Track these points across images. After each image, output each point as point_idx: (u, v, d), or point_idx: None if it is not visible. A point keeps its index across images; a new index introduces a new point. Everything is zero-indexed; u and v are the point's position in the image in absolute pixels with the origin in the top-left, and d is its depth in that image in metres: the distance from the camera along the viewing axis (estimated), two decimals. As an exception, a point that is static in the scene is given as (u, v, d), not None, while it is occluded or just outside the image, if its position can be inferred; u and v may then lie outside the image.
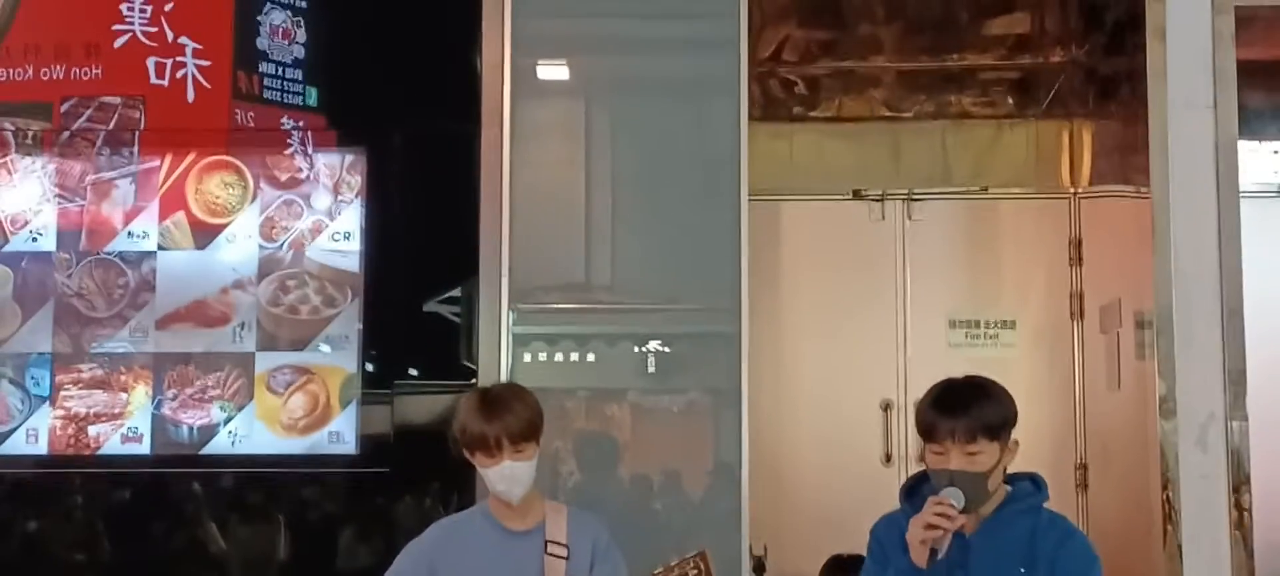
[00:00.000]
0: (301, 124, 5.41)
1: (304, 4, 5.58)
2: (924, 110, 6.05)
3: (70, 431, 4.81)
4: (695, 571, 3.08)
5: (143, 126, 5.31)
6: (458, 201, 4.72)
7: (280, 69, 5.46)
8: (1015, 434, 2.94)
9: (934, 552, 2.80)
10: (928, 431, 2.89)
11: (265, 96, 5.45)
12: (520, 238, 4.57)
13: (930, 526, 2.78)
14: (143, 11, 5.38)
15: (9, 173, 5.15)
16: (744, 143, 4.54)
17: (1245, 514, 4.36)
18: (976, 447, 2.84)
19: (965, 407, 2.86)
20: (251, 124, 5.40)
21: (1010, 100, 6.02)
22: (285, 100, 5.45)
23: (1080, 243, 5.90)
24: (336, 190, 4.97)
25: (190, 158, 5.06)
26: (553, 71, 4.64)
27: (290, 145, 5.20)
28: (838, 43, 5.68)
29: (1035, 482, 3.01)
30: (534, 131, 4.60)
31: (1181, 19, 4.54)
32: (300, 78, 5.45)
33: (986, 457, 2.85)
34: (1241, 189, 4.57)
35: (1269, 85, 5.05)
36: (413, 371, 4.91)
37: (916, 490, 2.98)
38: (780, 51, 5.69)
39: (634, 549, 3.35)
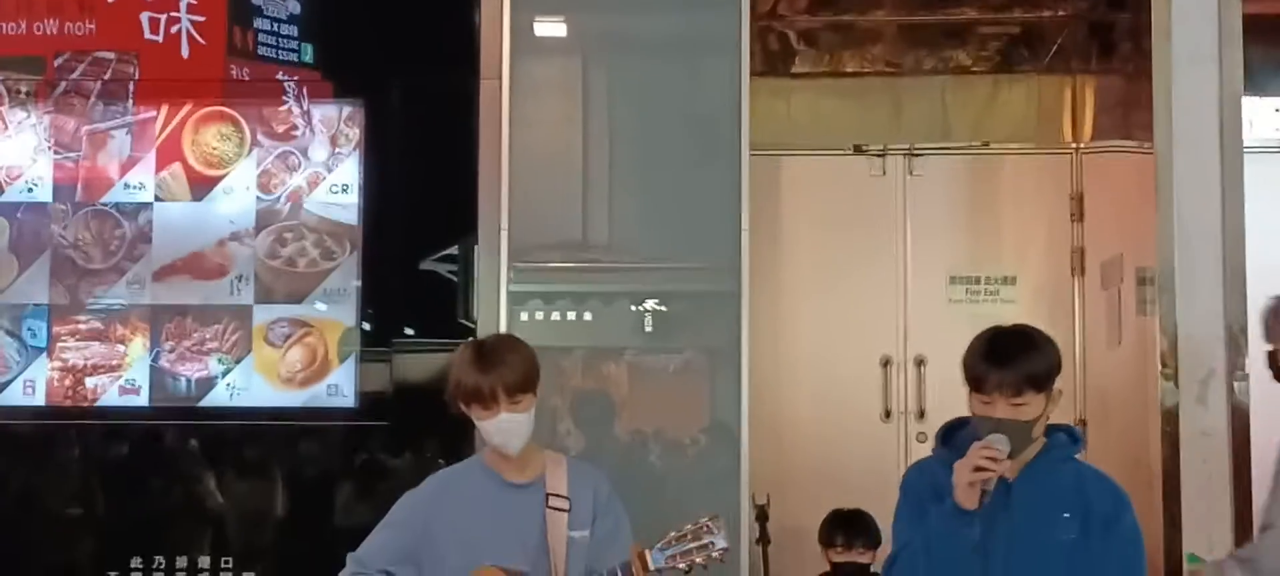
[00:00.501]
0: (297, 79, 5.38)
1: (298, -44, 5.54)
2: (924, 65, 6.01)
3: (68, 383, 4.79)
4: (708, 535, 3.08)
5: (135, 84, 5.27)
6: (456, 156, 4.69)
7: (275, 25, 5.40)
8: None
9: (982, 492, 2.86)
10: (976, 382, 2.93)
11: (260, 53, 5.40)
12: (518, 196, 4.55)
13: (979, 469, 2.84)
14: (135, -38, 5.34)
15: (3, 124, 5.12)
16: (745, 99, 4.51)
17: (1245, 470, 4.36)
18: (1023, 399, 2.89)
19: (1013, 360, 2.91)
20: (247, 78, 5.37)
21: (1011, 55, 5.98)
22: (280, 57, 5.40)
23: (1082, 198, 5.87)
24: (334, 142, 4.94)
25: (186, 108, 5.01)
26: (550, 28, 4.60)
27: (286, 99, 5.16)
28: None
29: (1071, 435, 3.10)
30: (532, 89, 4.57)
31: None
32: (295, 34, 5.40)
33: (1032, 408, 2.92)
34: (1245, 145, 4.54)
35: (1274, 40, 5.00)
36: (410, 330, 4.89)
37: (953, 435, 3.05)
38: (778, 6, 5.64)
39: (633, 506, 3.33)
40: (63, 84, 5.19)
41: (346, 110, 5.02)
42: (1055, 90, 5.99)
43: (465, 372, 3.18)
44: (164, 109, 5.04)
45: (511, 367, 3.17)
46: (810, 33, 5.96)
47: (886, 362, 5.91)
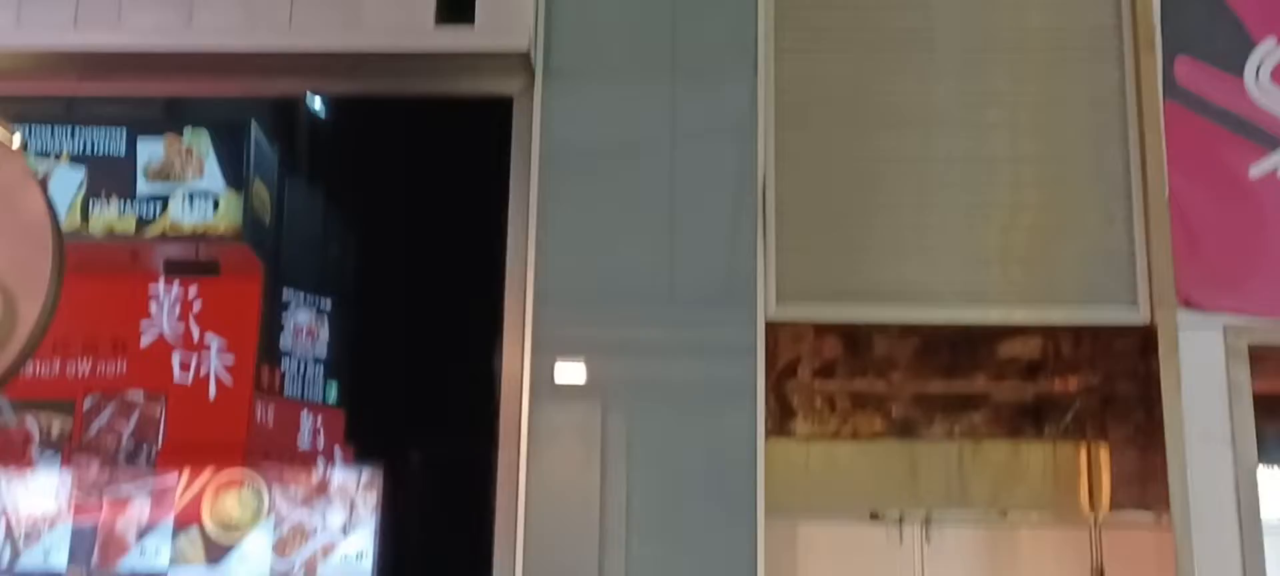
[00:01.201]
0: (320, 420, 5.46)
1: (328, 305, 5.72)
2: (940, 429, 6.04)
3: None
4: None
5: (164, 425, 5.35)
6: (471, 521, 4.71)
7: (302, 365, 5.54)
8: None
9: None
10: None
11: (286, 392, 5.52)
12: (533, 544, 4.52)
13: None
14: (171, 310, 5.50)
15: (30, 466, 5.17)
16: (760, 460, 4.56)
17: None
18: None
19: None
20: (271, 419, 5.45)
21: (1027, 422, 6.01)
22: (305, 395, 5.52)
23: (1103, 571, 5.77)
24: (351, 508, 4.96)
25: (207, 472, 5.06)
26: (570, 375, 4.67)
27: (308, 459, 5.22)
28: (852, 362, 5.73)
29: None
30: (550, 434, 4.61)
31: (1195, 358, 4.63)
32: (321, 374, 5.54)
33: None
34: (1264, 520, 4.52)
35: (1287, 416, 5.05)
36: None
37: None
38: (796, 366, 5.74)
39: None
40: (89, 430, 5.28)
41: (366, 475, 5.07)
42: (1071, 459, 5.97)
43: None
44: (186, 471, 5.09)
45: None
46: (827, 395, 6.03)
47: None
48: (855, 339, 5.40)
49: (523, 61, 4.84)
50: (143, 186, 5.42)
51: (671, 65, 4.92)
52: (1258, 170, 4.75)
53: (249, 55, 4.87)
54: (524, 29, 4.82)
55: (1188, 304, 4.67)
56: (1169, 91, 4.82)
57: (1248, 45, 4.84)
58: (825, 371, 5.75)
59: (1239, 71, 4.83)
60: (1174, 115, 4.79)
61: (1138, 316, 4.72)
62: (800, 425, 6.08)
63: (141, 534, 4.94)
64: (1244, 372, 4.61)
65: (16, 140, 3.84)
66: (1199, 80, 4.82)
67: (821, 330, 5.24)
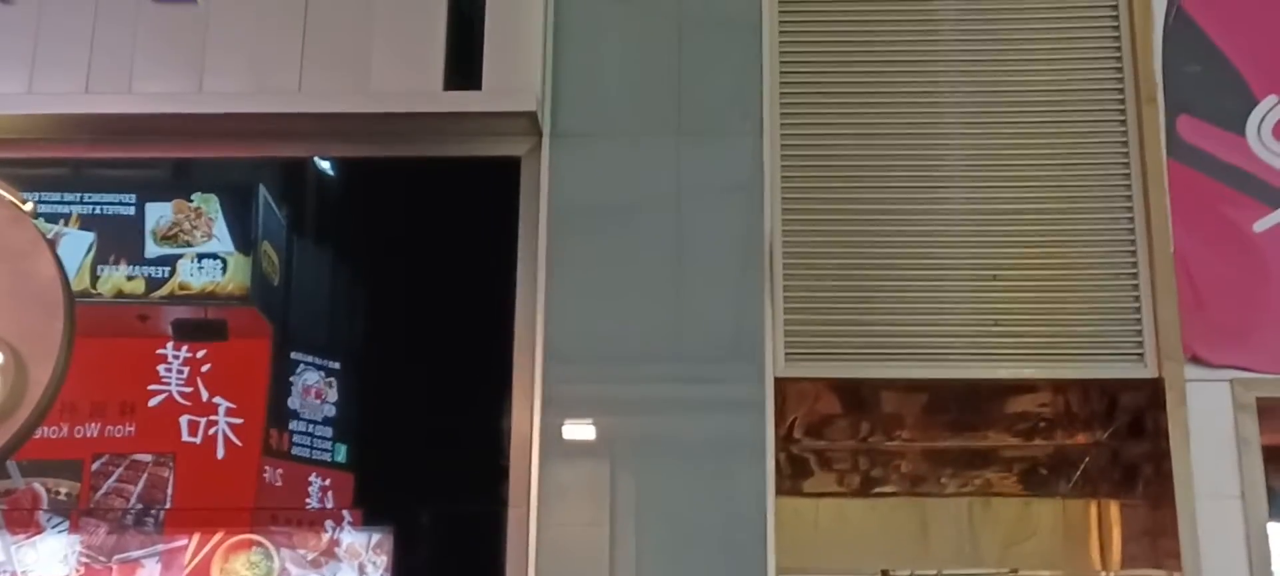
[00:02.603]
0: (328, 482, 5.45)
1: (337, 365, 5.73)
2: (950, 485, 6.04)
3: None
4: None
5: (172, 487, 5.35)
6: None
7: (310, 426, 5.54)
8: None
9: None
10: None
11: (294, 453, 5.52)
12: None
13: None
14: (180, 372, 5.52)
15: (38, 530, 5.16)
16: (771, 517, 4.55)
17: None
18: None
19: None
20: (279, 481, 5.45)
21: (1037, 477, 6.02)
22: (314, 457, 5.51)
23: (1116, 632, 5.76)
24: (361, 570, 4.96)
25: (216, 535, 5.06)
26: (580, 432, 4.68)
27: (317, 520, 5.22)
28: (860, 419, 5.74)
29: None
30: (560, 492, 4.61)
31: (1203, 413, 4.64)
32: (330, 435, 5.53)
33: None
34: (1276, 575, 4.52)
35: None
36: None
37: None
38: (797, 424, 5.74)
39: None
40: (97, 493, 5.28)
41: (376, 537, 5.06)
42: (1082, 514, 5.99)
43: None
44: (196, 536, 5.09)
45: None
46: (836, 452, 6.04)
47: None
48: (863, 395, 5.41)
49: (530, 122, 4.89)
50: (151, 249, 5.45)
51: (678, 124, 4.96)
52: (1262, 226, 4.78)
53: (258, 119, 4.92)
54: (531, 91, 4.86)
55: (1195, 358, 4.68)
56: (1172, 149, 4.85)
57: (1250, 102, 4.88)
58: (834, 428, 5.76)
59: (1241, 129, 4.86)
60: (1177, 172, 4.82)
61: (1145, 371, 4.72)
62: (810, 482, 6.09)
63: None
64: (1252, 426, 4.62)
65: (28, 206, 3.87)
66: (1201, 138, 4.85)
67: (830, 386, 5.25)
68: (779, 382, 4.77)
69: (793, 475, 6.05)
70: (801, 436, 5.80)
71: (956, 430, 5.72)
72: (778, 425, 4.85)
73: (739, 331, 4.77)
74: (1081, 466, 5.80)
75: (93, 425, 5.46)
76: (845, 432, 5.82)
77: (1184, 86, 4.91)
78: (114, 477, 5.38)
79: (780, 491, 4.68)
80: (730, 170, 4.91)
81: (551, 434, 4.66)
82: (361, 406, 5.73)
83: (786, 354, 4.79)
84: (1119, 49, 4.99)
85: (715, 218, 4.86)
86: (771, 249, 4.85)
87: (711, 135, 4.93)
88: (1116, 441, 5.43)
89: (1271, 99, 4.88)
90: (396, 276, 5.89)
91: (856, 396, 5.42)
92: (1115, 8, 5.03)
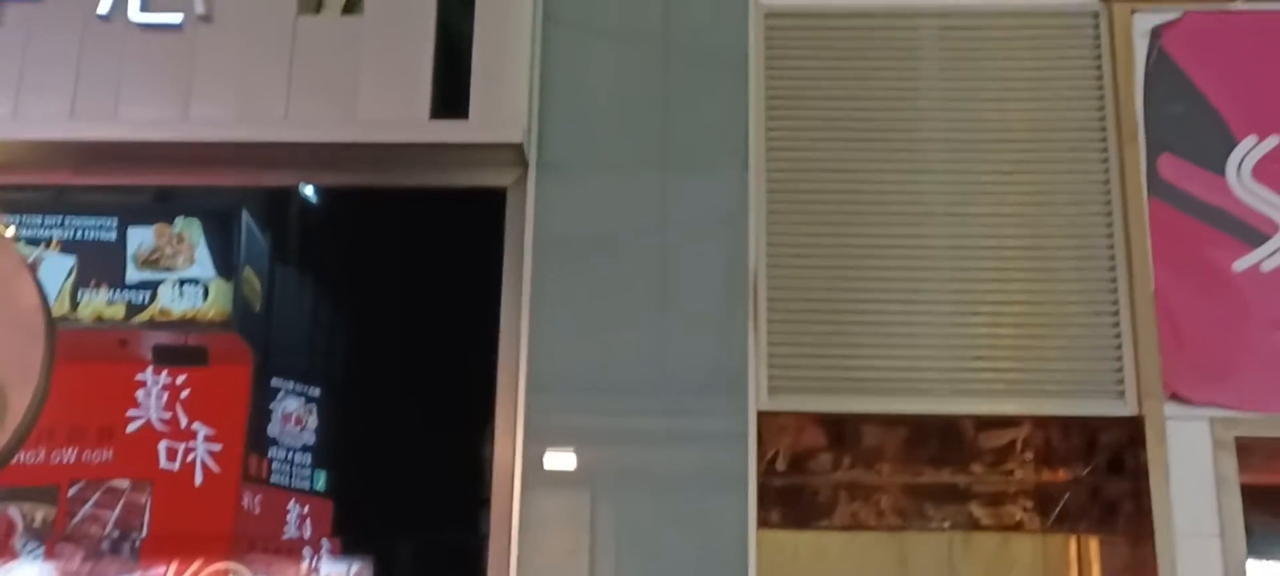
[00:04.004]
0: (308, 509, 5.44)
1: (317, 393, 5.72)
2: (930, 520, 6.04)
3: None
4: None
5: (149, 513, 5.33)
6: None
7: (290, 454, 5.53)
8: None
9: None
10: None
11: (273, 480, 5.50)
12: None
13: None
14: (159, 398, 5.50)
15: (13, 556, 5.13)
16: (752, 548, 4.55)
17: None
18: None
19: None
20: (258, 508, 5.43)
21: (1017, 513, 6.03)
22: (293, 484, 5.50)
23: (1094, 666, 5.76)
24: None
25: (195, 565, 5.04)
26: (562, 463, 4.68)
27: (296, 549, 5.20)
28: (841, 453, 5.74)
29: None
30: (541, 523, 4.61)
31: (1182, 451, 4.67)
32: (309, 462, 5.53)
33: None
34: (1255, 611, 4.54)
35: (1274, 508, 5.08)
36: None
37: None
38: (786, 459, 5.75)
39: None
40: (77, 515, 5.25)
41: (355, 567, 5.05)
42: (1061, 551, 5.98)
43: None
44: (173, 564, 5.06)
45: None
46: (817, 486, 6.03)
47: None
48: (844, 429, 5.42)
49: (516, 153, 4.90)
50: (132, 274, 5.43)
51: (663, 156, 4.98)
52: (1241, 265, 4.81)
53: (244, 147, 4.91)
54: (518, 121, 4.88)
55: (1175, 397, 4.71)
56: (1153, 188, 4.89)
57: (1230, 143, 4.92)
58: (816, 462, 5.77)
59: (1221, 169, 4.90)
60: (1158, 211, 4.86)
61: (1125, 409, 4.75)
62: (791, 516, 6.08)
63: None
64: (1231, 465, 4.64)
65: (10, 231, 3.86)
66: (1182, 177, 4.90)
67: (811, 420, 5.26)
68: (762, 416, 4.79)
69: (773, 508, 6.04)
70: (784, 469, 5.80)
71: (938, 465, 5.73)
72: (760, 458, 4.86)
73: (722, 364, 4.79)
74: (1062, 503, 5.82)
75: (70, 450, 5.44)
76: (827, 466, 5.83)
77: (1165, 126, 4.95)
78: (91, 503, 5.35)
79: (761, 524, 4.69)
80: (715, 204, 4.93)
81: (533, 464, 4.66)
82: (342, 434, 5.72)
83: (769, 387, 4.81)
84: (1100, 88, 5.03)
85: (700, 251, 4.88)
86: (756, 283, 4.87)
87: (697, 169, 4.95)
88: (1096, 478, 5.45)
89: (1251, 139, 4.93)
90: (379, 304, 5.90)
91: (838, 430, 5.43)
92: (1097, 47, 5.08)
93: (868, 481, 5.95)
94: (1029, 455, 5.57)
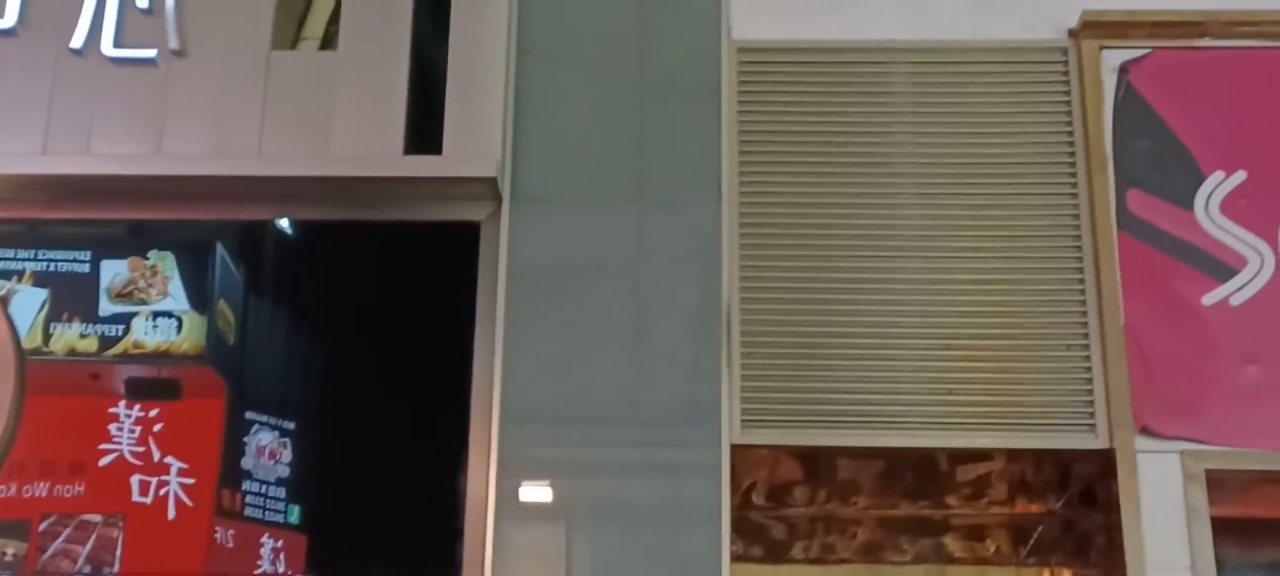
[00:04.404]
0: (281, 543, 5.41)
1: (292, 425, 5.70)
2: (905, 553, 6.05)
3: None
4: None
5: (121, 547, 5.29)
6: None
7: (264, 487, 5.51)
8: None
9: None
10: None
11: (246, 514, 5.48)
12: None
13: None
14: (132, 431, 5.48)
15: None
16: (726, 578, 4.56)
17: None
18: None
19: None
20: (231, 542, 5.40)
21: (991, 546, 6.04)
22: (266, 518, 5.47)
23: (1070, 700, 5.76)
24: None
25: None
26: (536, 495, 4.67)
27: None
28: (816, 486, 5.75)
29: None
30: (515, 555, 4.59)
31: (1153, 483, 4.69)
32: (283, 496, 5.50)
33: None
34: (1225, 644, 4.56)
35: (1244, 541, 5.10)
36: None
37: None
38: (760, 491, 5.75)
39: None
40: (49, 550, 5.22)
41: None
42: (1036, 582, 6.02)
43: None
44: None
45: None
46: (792, 518, 6.04)
47: None
48: (819, 462, 5.43)
49: (490, 187, 4.90)
50: (106, 306, 5.42)
51: (637, 190, 5.00)
52: (1210, 299, 4.85)
53: (218, 182, 4.90)
54: (491, 156, 4.89)
55: (1145, 430, 4.74)
56: (1122, 222, 4.93)
57: (1198, 178, 4.96)
58: (790, 495, 5.77)
59: (1190, 204, 4.94)
60: (1128, 246, 4.90)
61: (1096, 442, 4.77)
62: (767, 549, 6.08)
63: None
64: (1202, 497, 4.67)
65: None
66: (1151, 212, 4.93)
67: (786, 453, 5.27)
68: (735, 449, 4.79)
69: (748, 541, 6.04)
70: (758, 502, 5.80)
71: (913, 498, 5.74)
72: (734, 491, 4.86)
73: (696, 397, 4.79)
74: (1035, 535, 5.83)
75: (41, 484, 5.41)
76: (804, 499, 5.83)
77: (1134, 161, 5.00)
78: (62, 538, 5.32)
79: (737, 557, 4.69)
80: (689, 237, 4.95)
81: (507, 496, 4.65)
82: (316, 467, 5.70)
83: (743, 420, 4.81)
84: (1070, 124, 5.07)
85: (674, 284, 4.89)
86: (729, 316, 4.88)
87: (670, 202, 4.97)
88: (1069, 510, 5.47)
89: (1219, 175, 4.97)
90: (354, 337, 5.89)
91: (814, 463, 5.44)
92: (1067, 83, 5.12)
93: (843, 514, 5.96)
94: (1003, 488, 5.60)
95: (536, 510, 4.67)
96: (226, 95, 4.96)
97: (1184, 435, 4.73)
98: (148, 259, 5.47)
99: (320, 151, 4.88)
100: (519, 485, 4.67)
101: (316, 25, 5.37)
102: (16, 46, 4.99)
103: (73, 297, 5.41)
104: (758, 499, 5.79)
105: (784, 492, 5.78)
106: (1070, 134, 5.06)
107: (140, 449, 5.47)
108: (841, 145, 5.10)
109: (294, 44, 5.26)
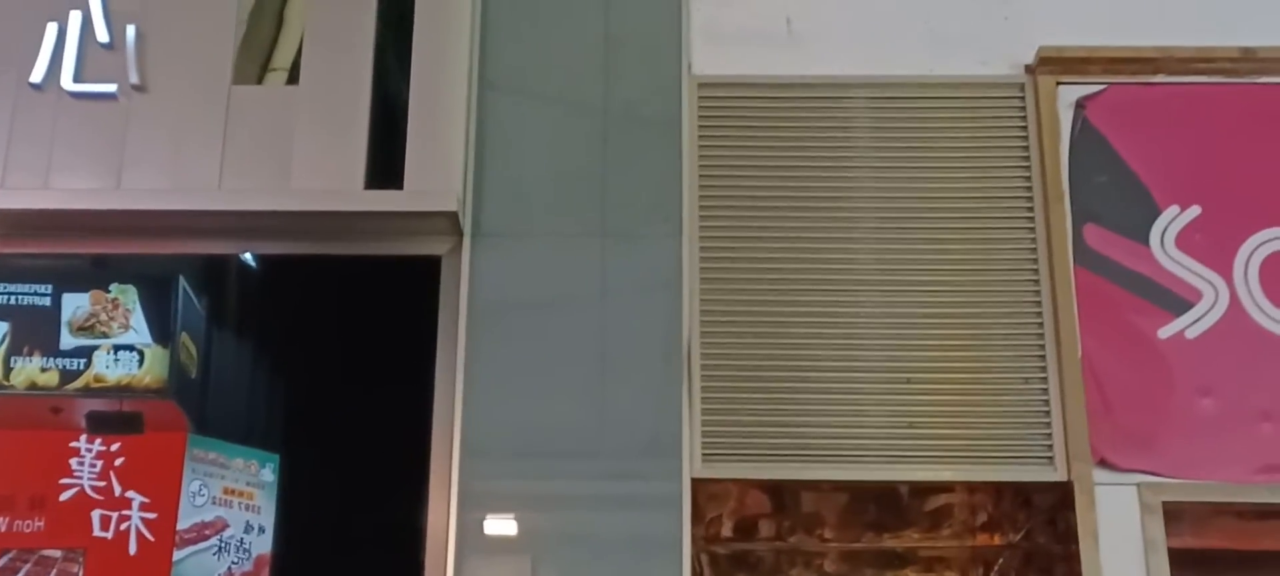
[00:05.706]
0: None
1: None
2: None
3: None
4: None
5: (82, 584, 5.26)
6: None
7: (231, 518, 5.47)
8: None
9: None
10: None
11: (208, 550, 5.44)
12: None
13: None
14: (93, 466, 5.44)
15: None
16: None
17: None
18: None
19: None
20: None
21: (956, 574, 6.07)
22: (229, 552, 5.43)
23: None
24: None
25: None
26: (498, 529, 4.67)
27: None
28: (781, 519, 5.76)
29: None
30: (480, 589, 4.61)
31: (1111, 516, 4.72)
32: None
33: None
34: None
35: (1201, 572, 5.13)
36: None
37: None
38: (720, 520, 5.76)
39: None
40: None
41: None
42: (999, 615, 6.03)
43: None
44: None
45: None
46: (756, 552, 6.04)
47: None
48: (783, 495, 5.44)
49: (451, 221, 4.91)
50: (67, 340, 5.37)
51: (600, 224, 5.02)
52: (1166, 332, 4.89)
53: (178, 216, 4.90)
54: (452, 191, 4.90)
55: (1103, 463, 4.77)
56: (1079, 257, 4.97)
57: (1153, 212, 5.02)
58: (753, 528, 5.78)
59: (1145, 238, 4.99)
60: (1085, 280, 4.94)
61: (1055, 474, 4.80)
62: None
63: None
64: (1159, 529, 4.70)
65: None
66: (1107, 246, 4.98)
67: (749, 486, 5.28)
68: (697, 482, 4.80)
69: (716, 570, 6.04)
70: (730, 535, 5.81)
71: (877, 530, 5.76)
72: (698, 524, 4.86)
73: (657, 431, 4.80)
74: (996, 566, 5.86)
75: (1, 519, 5.36)
76: (771, 532, 5.84)
77: (1090, 196, 5.04)
78: (22, 574, 5.27)
79: (699, 590, 4.69)
80: (651, 271, 4.97)
81: (468, 530, 4.66)
82: (278, 500, 5.67)
83: (703, 454, 4.82)
84: (1027, 159, 5.12)
85: (636, 318, 4.91)
86: (690, 351, 4.90)
87: (632, 236, 4.99)
88: (1029, 542, 5.49)
89: (1174, 209, 5.02)
90: (315, 371, 5.87)
91: (779, 496, 5.45)
92: (1024, 118, 5.17)
93: (808, 548, 5.97)
94: (964, 520, 5.62)
95: (499, 543, 4.67)
96: (187, 130, 4.96)
97: (1141, 468, 4.76)
98: (109, 292, 5.43)
99: (281, 186, 4.88)
100: (481, 519, 4.67)
101: (284, 56, 5.38)
102: (-25, 81, 4.98)
103: (33, 331, 5.37)
104: (725, 531, 5.80)
105: (751, 526, 5.78)
106: (1027, 169, 5.11)
107: (101, 483, 5.43)
108: (801, 179, 5.13)
109: (261, 76, 5.27)
